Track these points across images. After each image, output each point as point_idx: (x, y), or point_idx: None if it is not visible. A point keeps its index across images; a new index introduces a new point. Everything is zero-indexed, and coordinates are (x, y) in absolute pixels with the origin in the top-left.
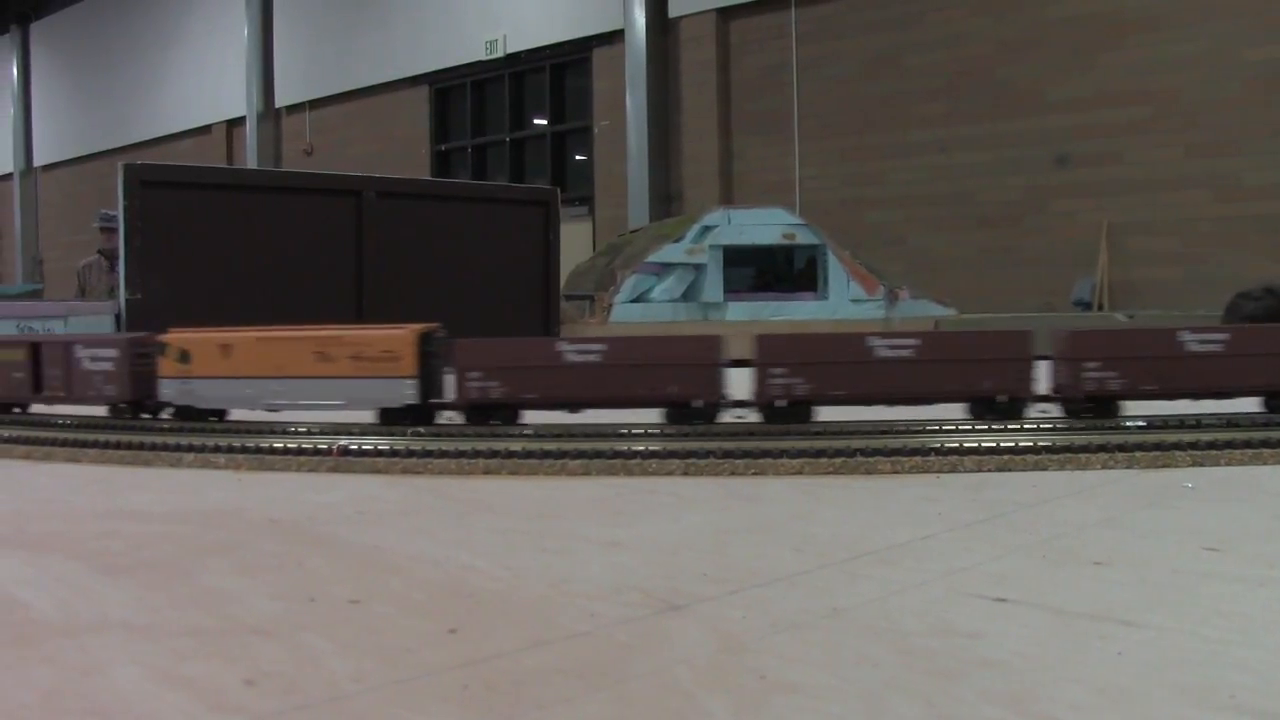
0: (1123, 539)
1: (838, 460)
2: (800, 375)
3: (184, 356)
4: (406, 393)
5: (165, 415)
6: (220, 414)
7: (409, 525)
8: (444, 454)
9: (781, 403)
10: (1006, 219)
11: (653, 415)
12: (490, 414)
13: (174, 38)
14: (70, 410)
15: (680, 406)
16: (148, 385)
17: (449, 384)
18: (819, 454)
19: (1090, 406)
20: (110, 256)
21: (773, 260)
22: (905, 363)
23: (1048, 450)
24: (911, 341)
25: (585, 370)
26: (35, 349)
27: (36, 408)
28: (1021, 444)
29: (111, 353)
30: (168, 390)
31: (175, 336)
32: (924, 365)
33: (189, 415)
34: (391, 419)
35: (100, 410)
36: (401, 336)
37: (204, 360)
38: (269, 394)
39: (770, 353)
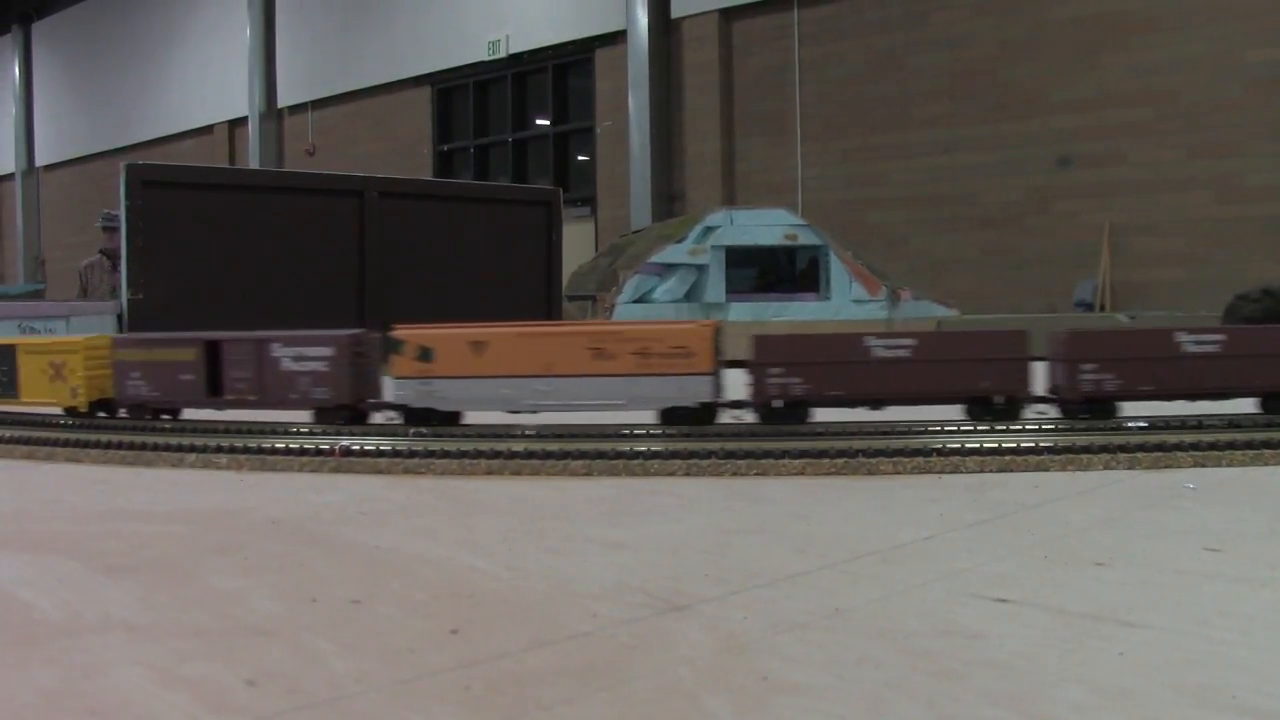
0: (1124, 540)
1: (839, 461)
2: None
3: (425, 354)
4: (702, 391)
5: (385, 418)
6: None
7: (411, 525)
8: (446, 454)
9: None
10: (1009, 220)
11: (653, 416)
12: (786, 414)
13: (176, 38)
14: (261, 415)
15: (984, 402)
16: (368, 386)
17: (738, 381)
18: (820, 455)
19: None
20: (113, 256)
21: (775, 261)
22: None
23: (1049, 451)
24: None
25: (894, 366)
26: (214, 348)
27: (189, 413)
28: (1023, 445)
29: (324, 351)
30: (403, 391)
31: (413, 333)
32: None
33: (419, 419)
34: (674, 419)
35: (300, 415)
36: (696, 331)
37: (451, 358)
38: (532, 394)
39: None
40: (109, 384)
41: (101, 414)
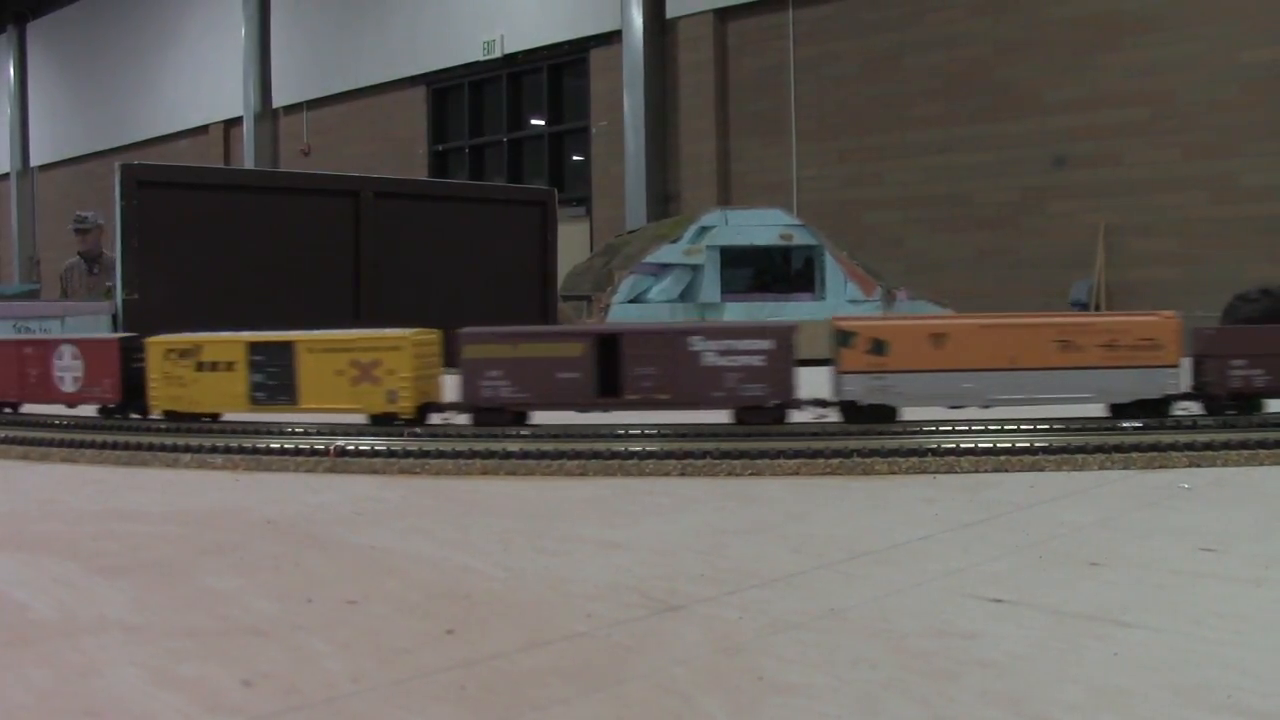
0: (1119, 539)
1: (834, 461)
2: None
3: (879, 347)
4: (1168, 383)
5: (815, 416)
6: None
7: (406, 526)
8: (441, 454)
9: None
10: (1004, 220)
11: (649, 416)
12: (1243, 406)
13: (171, 38)
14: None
15: None
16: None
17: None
18: (816, 455)
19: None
20: (88, 259)
21: (770, 261)
22: None
23: (1044, 451)
24: None
25: None
26: (610, 341)
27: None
28: (1018, 445)
29: (760, 344)
30: (851, 387)
31: (865, 325)
32: None
33: (860, 418)
34: (1124, 412)
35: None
36: (1164, 323)
37: (907, 352)
38: (996, 388)
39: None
40: (436, 385)
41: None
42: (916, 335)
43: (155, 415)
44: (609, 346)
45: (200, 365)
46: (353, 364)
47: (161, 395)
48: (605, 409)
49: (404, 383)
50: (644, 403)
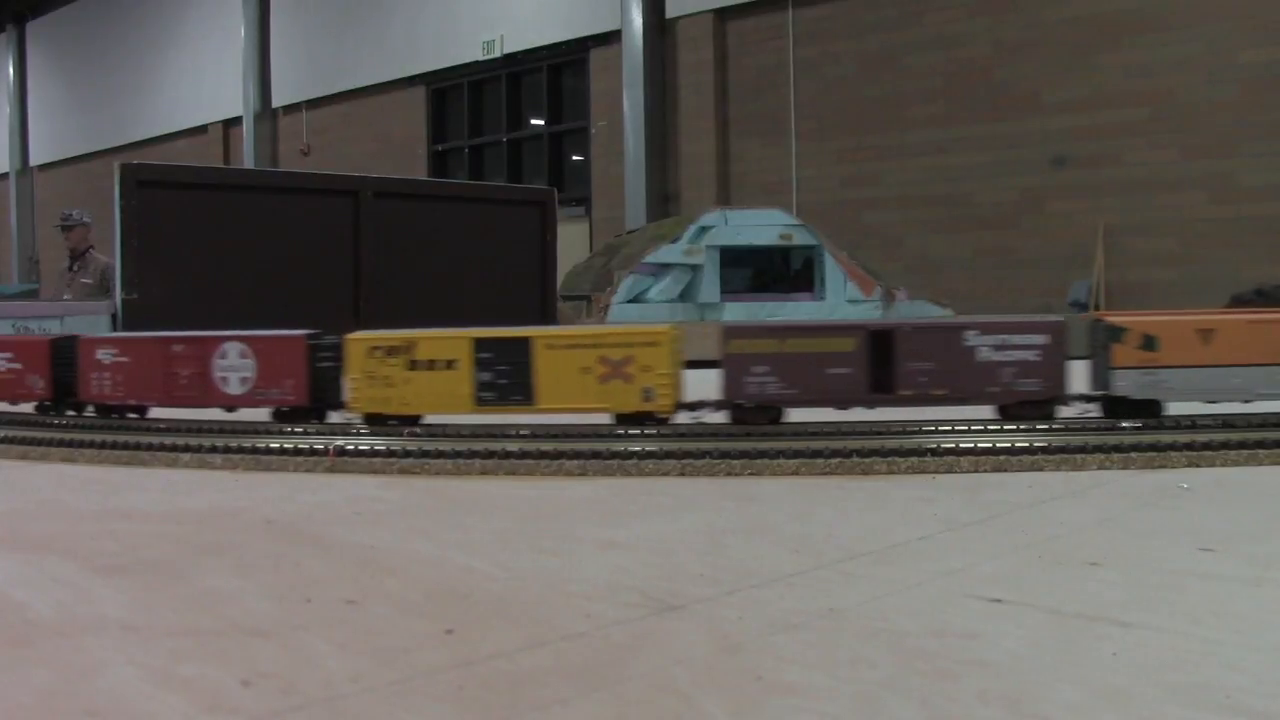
0: (1118, 539)
1: (834, 461)
2: None
3: (1149, 343)
4: None
5: (1079, 411)
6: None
7: (406, 526)
8: (441, 454)
9: None
10: (1003, 220)
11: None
12: None
13: (171, 38)
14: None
15: None
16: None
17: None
18: (815, 455)
19: None
20: (71, 256)
21: (770, 261)
22: None
23: (1044, 451)
24: None
25: None
26: (883, 336)
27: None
28: (1018, 445)
29: (1037, 339)
30: (1123, 382)
31: (1136, 320)
32: None
33: (1125, 413)
34: None
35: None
36: None
37: (1177, 347)
38: (1259, 383)
39: None
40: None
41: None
42: (1185, 331)
43: (355, 417)
44: (882, 342)
45: (414, 364)
46: (601, 361)
47: (364, 397)
48: (874, 405)
49: (663, 379)
50: (918, 399)
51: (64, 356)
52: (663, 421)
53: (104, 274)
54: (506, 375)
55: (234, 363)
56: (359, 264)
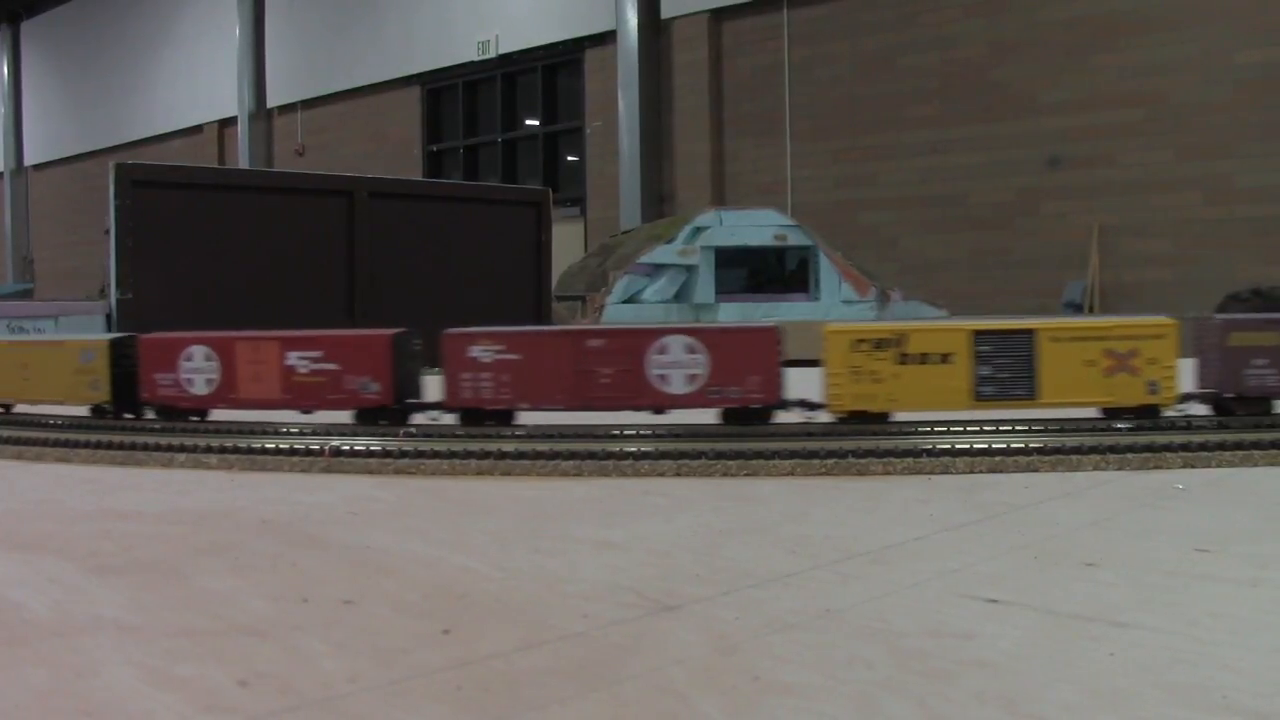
0: (1114, 540)
1: (829, 461)
2: None
3: None
4: None
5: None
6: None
7: (402, 526)
8: (436, 455)
9: None
10: (999, 221)
11: (647, 417)
12: None
13: (166, 37)
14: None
15: None
16: None
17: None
18: (811, 455)
19: None
20: None
21: (764, 261)
22: None
23: (1039, 452)
24: None
25: None
26: None
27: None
28: (1013, 445)
29: None
30: None
31: None
32: None
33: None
34: None
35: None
36: None
37: None
38: None
39: None
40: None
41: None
42: None
43: (832, 417)
44: None
45: (904, 358)
46: (1107, 353)
47: (846, 393)
48: None
49: (1167, 373)
50: None
51: (407, 352)
52: (1155, 415)
53: None
54: (1007, 369)
55: (678, 358)
56: (354, 264)
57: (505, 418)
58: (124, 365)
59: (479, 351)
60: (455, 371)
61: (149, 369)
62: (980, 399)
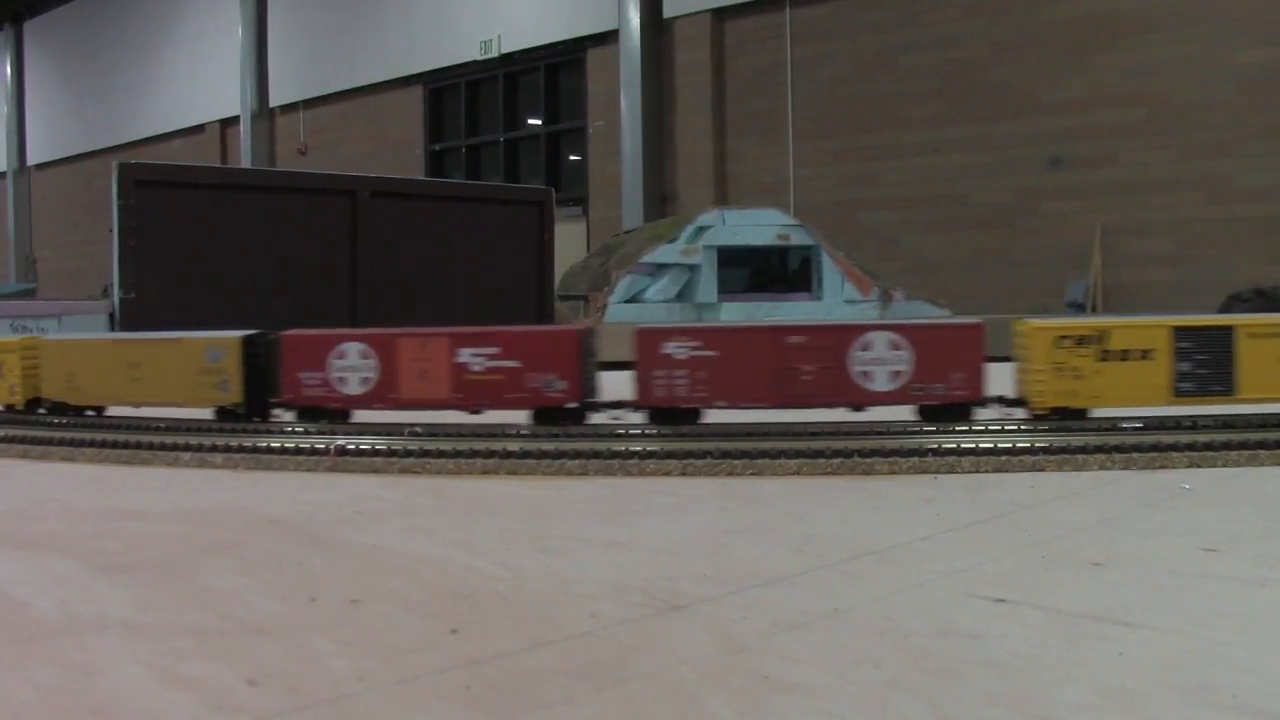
0: (1121, 540)
1: (835, 461)
2: None
3: None
4: None
5: None
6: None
7: (408, 525)
8: (442, 454)
9: None
10: (1000, 220)
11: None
12: None
13: (168, 37)
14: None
15: None
16: None
17: None
18: (817, 455)
19: None
20: None
21: (767, 261)
22: None
23: (1045, 451)
24: None
25: None
26: None
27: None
28: (1019, 445)
29: None
30: None
31: None
32: None
33: None
34: None
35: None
36: None
37: None
38: None
39: None
40: None
41: None
42: None
43: (1035, 413)
44: None
45: (1105, 355)
46: None
47: (1050, 390)
48: None
49: None
50: None
51: (589, 349)
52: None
53: None
54: (1206, 365)
55: (882, 354)
56: (356, 263)
57: (693, 416)
58: (256, 364)
59: (674, 348)
60: (648, 369)
61: (292, 368)
62: (1179, 395)
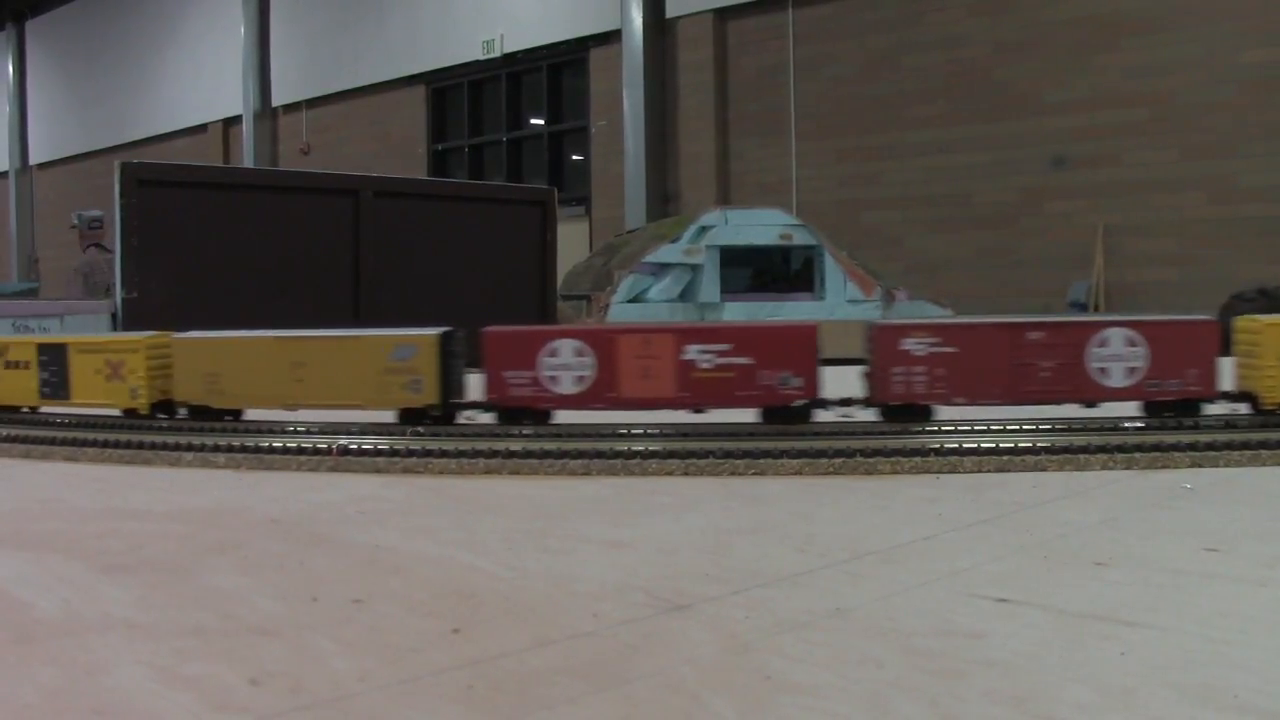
0: (1123, 539)
1: (837, 461)
2: None
3: None
4: None
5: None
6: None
7: (410, 525)
8: (444, 454)
9: None
10: (1003, 220)
11: (649, 416)
12: None
13: (170, 36)
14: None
15: None
16: None
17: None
18: (819, 454)
19: None
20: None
21: (769, 261)
22: None
23: (1047, 451)
24: None
25: None
26: None
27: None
28: (1021, 445)
29: None
30: None
31: None
32: None
33: None
34: None
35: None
36: None
37: None
38: None
39: None
40: None
41: None
42: None
43: (1263, 409)
44: None
45: None
46: None
47: None
48: None
49: None
50: None
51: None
52: None
53: (86, 275)
54: None
55: (1118, 351)
56: (359, 263)
57: (926, 414)
58: (451, 363)
59: (912, 344)
60: (885, 365)
61: (496, 366)
62: None
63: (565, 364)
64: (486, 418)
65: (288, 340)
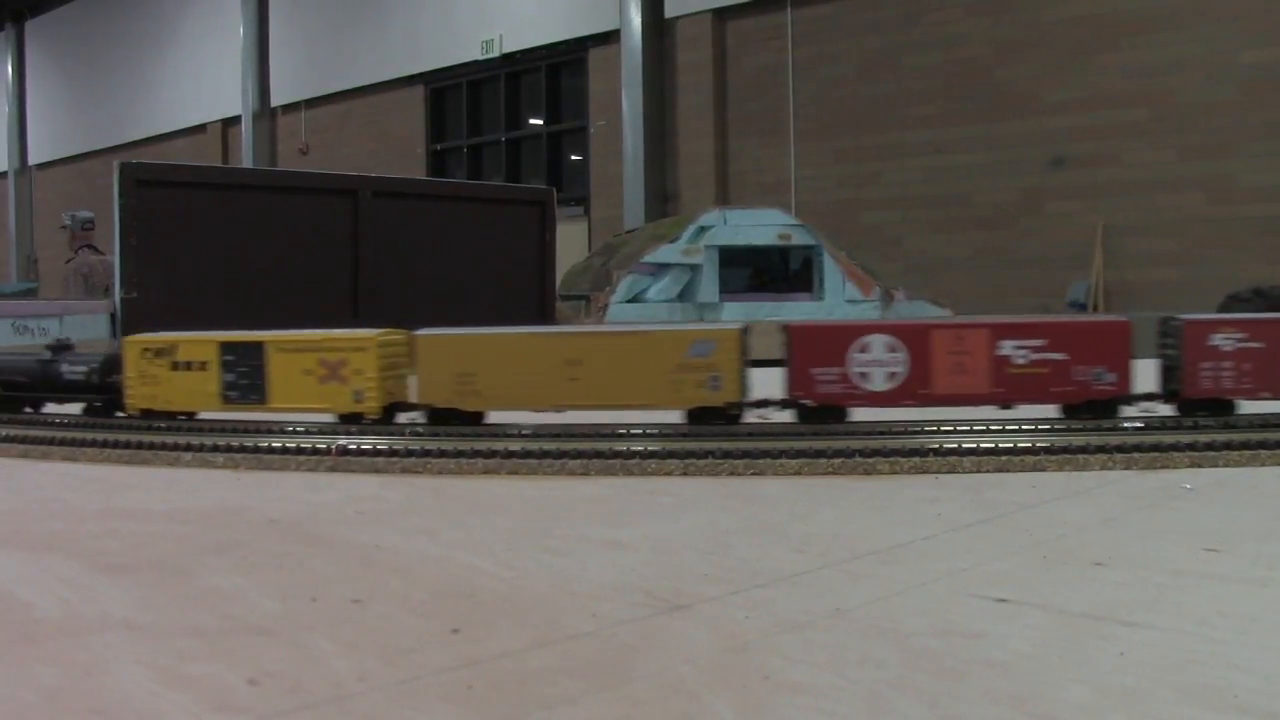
0: (1122, 540)
1: (836, 461)
2: None
3: None
4: None
5: None
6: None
7: (409, 525)
8: (443, 454)
9: None
10: (1002, 220)
11: (651, 416)
12: None
13: (170, 37)
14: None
15: None
16: None
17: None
18: (818, 455)
19: None
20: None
21: (768, 261)
22: None
23: (1046, 451)
24: None
25: None
26: None
27: None
28: (1020, 445)
29: None
30: None
31: None
32: None
33: None
34: None
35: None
36: None
37: None
38: None
39: None
40: None
41: None
42: None
43: None
44: None
45: None
46: None
47: None
48: None
49: None
50: None
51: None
52: None
53: (85, 276)
54: None
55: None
56: (358, 263)
57: (1229, 409)
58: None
59: (1220, 340)
60: (1195, 361)
61: (803, 363)
62: None
63: (877, 360)
64: (783, 416)
65: (563, 336)
